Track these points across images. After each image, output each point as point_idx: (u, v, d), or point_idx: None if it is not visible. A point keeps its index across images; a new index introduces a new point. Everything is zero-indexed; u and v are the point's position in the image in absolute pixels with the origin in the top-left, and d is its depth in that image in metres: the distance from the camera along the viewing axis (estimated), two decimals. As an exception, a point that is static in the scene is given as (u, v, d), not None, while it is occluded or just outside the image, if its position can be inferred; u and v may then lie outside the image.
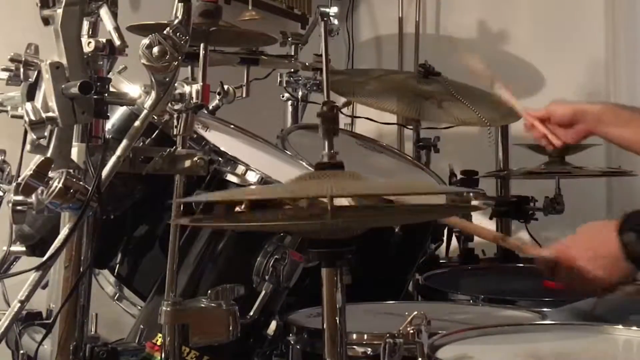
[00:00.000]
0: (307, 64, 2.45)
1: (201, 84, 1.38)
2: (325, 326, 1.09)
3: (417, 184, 1.06)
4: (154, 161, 1.36)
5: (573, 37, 3.34)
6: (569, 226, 2.56)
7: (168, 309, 1.35)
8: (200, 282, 1.59)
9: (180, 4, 1.27)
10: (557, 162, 2.50)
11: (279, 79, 2.59)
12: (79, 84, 1.17)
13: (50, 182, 1.18)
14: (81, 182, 1.21)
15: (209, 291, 1.38)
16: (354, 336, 1.40)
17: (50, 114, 1.18)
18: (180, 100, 1.36)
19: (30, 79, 1.37)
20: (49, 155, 1.20)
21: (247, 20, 2.65)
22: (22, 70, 1.40)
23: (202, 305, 1.38)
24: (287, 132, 2.14)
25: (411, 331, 1.16)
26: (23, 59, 1.40)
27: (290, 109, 2.63)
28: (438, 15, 3.69)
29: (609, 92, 3.25)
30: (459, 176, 2.69)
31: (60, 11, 1.22)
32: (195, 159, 1.38)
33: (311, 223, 1.05)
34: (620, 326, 1.32)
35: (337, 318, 1.08)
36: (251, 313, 1.51)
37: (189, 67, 2.01)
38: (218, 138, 1.77)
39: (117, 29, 1.26)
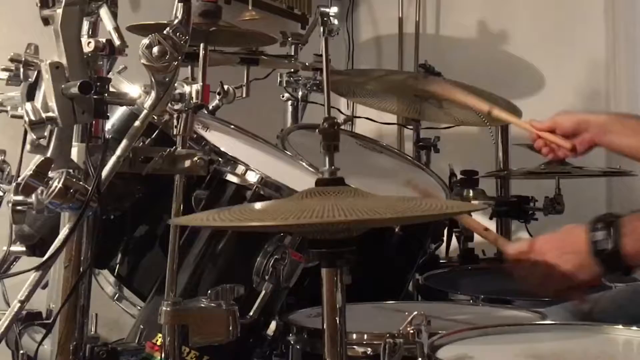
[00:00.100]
0: (307, 64, 2.45)
1: (201, 84, 1.38)
2: (325, 326, 1.09)
3: (417, 206, 1.06)
4: (154, 161, 1.36)
5: (573, 37, 3.34)
6: (569, 226, 2.55)
7: (168, 309, 1.35)
8: (200, 282, 1.59)
9: (180, 4, 1.27)
10: (557, 162, 2.50)
11: (279, 79, 2.59)
12: (78, 84, 1.17)
13: (50, 182, 1.18)
14: (81, 182, 1.21)
15: (209, 291, 1.38)
16: (354, 336, 1.40)
17: (50, 114, 1.18)
18: (180, 100, 1.36)
19: (30, 79, 1.37)
20: (49, 155, 1.20)
21: (247, 20, 2.65)
22: (22, 70, 1.40)
23: (202, 305, 1.38)
24: (287, 132, 2.14)
25: (411, 331, 1.16)
26: (23, 59, 1.40)
27: (290, 109, 2.63)
28: (438, 15, 3.69)
29: (609, 92, 3.25)
30: (459, 176, 2.69)
31: (60, 11, 1.22)
32: (195, 159, 1.38)
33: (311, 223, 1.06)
34: (620, 326, 1.32)
35: (337, 318, 1.08)
36: (251, 313, 1.51)
37: (189, 67, 2.01)
38: (218, 138, 1.78)
39: (117, 29, 1.26)
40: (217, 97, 1.94)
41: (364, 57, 3.73)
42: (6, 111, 1.52)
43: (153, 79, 1.26)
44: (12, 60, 1.41)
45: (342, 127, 2.90)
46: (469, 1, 3.61)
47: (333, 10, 2.24)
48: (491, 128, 2.76)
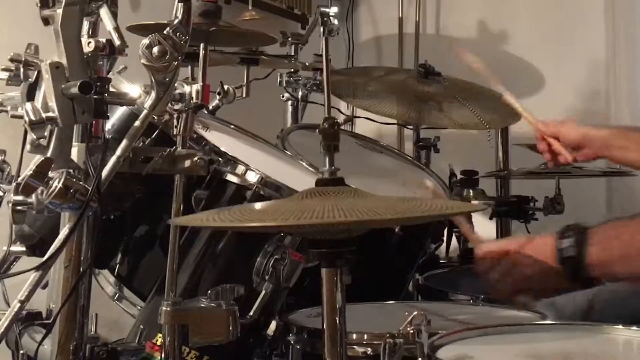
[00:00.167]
0: (307, 64, 2.45)
1: (201, 84, 1.38)
2: (325, 326, 1.09)
3: (416, 206, 1.06)
4: (154, 161, 1.36)
5: (573, 37, 3.34)
6: (568, 226, 2.56)
7: (168, 309, 1.35)
8: (200, 282, 1.59)
9: (180, 4, 1.27)
10: (554, 165, 2.50)
11: (279, 79, 2.59)
12: (78, 84, 1.17)
13: (50, 182, 1.18)
14: (81, 182, 1.21)
15: (209, 291, 1.38)
16: (354, 336, 1.40)
17: (50, 114, 1.18)
18: (180, 100, 1.36)
19: (30, 79, 1.37)
20: (49, 155, 1.20)
21: (247, 20, 2.65)
22: (22, 70, 1.40)
23: (202, 305, 1.38)
24: (287, 132, 2.14)
25: (411, 331, 1.16)
26: (23, 59, 1.40)
27: (290, 109, 2.63)
28: (438, 15, 3.69)
29: (609, 92, 3.25)
30: (459, 176, 2.69)
31: (60, 11, 1.22)
32: (195, 159, 1.38)
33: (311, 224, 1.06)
34: (620, 326, 1.32)
35: (337, 318, 1.08)
36: (251, 313, 1.51)
37: (189, 67, 2.01)
38: (218, 138, 1.78)
39: (117, 29, 1.26)
40: (217, 97, 1.94)
41: (364, 57, 3.73)
42: (6, 111, 1.52)
43: (153, 79, 1.26)
44: (12, 60, 1.41)
45: (342, 127, 2.90)
46: (469, 1, 3.61)
47: (333, 10, 2.25)
48: (490, 131, 2.76)
